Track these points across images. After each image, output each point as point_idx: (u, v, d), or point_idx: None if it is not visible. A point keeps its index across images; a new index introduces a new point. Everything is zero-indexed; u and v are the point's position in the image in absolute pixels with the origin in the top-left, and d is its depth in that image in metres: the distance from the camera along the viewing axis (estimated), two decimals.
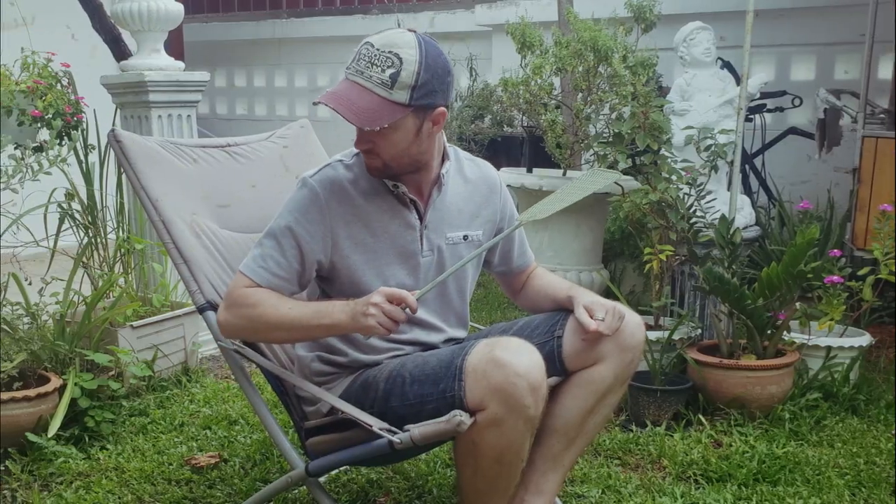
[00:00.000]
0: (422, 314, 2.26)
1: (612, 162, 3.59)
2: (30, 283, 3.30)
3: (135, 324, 3.51)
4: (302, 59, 8.00)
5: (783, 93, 5.07)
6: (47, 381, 3.04)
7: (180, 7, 4.18)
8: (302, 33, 7.84)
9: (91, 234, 3.75)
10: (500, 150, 5.67)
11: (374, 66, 2.01)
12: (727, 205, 3.64)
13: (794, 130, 5.17)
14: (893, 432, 3.13)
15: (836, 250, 3.52)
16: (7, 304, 3.22)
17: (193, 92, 4.17)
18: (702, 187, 3.59)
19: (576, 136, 4.34)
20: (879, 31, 4.27)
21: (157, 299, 3.75)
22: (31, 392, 2.92)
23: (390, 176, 2.17)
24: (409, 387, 2.08)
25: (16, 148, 3.43)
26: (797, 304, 3.39)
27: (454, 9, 6.97)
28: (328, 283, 2.25)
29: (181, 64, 4.19)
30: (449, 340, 2.33)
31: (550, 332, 2.24)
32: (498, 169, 2.54)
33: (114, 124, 3.98)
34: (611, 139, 3.68)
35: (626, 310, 2.23)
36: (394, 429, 1.97)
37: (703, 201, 3.59)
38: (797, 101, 5.08)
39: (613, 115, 4.16)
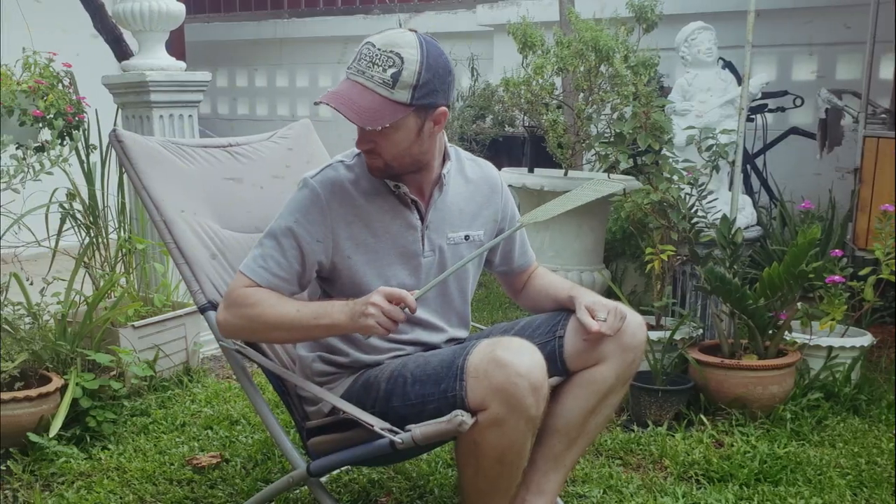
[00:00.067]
0: (423, 314, 2.26)
1: (614, 162, 3.59)
2: (31, 283, 3.31)
3: (136, 324, 3.51)
4: (303, 59, 8.01)
5: (784, 93, 5.07)
6: (49, 381, 3.04)
7: (182, 7, 4.18)
8: (303, 33, 7.84)
9: (92, 234, 3.75)
10: (501, 150, 5.68)
11: (376, 66, 2.01)
12: (728, 205, 3.64)
13: (795, 130, 5.17)
14: (895, 432, 3.13)
15: (837, 250, 3.51)
16: (8, 303, 3.22)
17: (195, 92, 4.18)
18: (703, 187, 3.59)
19: (577, 136, 4.34)
20: (881, 31, 4.27)
21: (158, 299, 3.76)
22: (33, 392, 2.92)
23: (392, 176, 2.17)
24: (410, 387, 2.08)
25: (17, 148, 3.44)
26: (798, 304, 3.39)
27: (456, 9, 6.97)
28: (329, 283, 2.25)
29: (182, 64, 4.20)
30: (450, 340, 2.33)
31: (552, 332, 2.24)
32: (499, 169, 2.54)
33: (115, 124, 3.98)
34: (612, 139, 3.68)
35: (628, 310, 2.23)
36: (395, 429, 1.97)
37: (704, 201, 3.59)
38: (798, 101, 5.09)
39: (615, 115, 4.16)
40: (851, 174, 4.29)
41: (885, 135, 4.09)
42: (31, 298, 3.28)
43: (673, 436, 3.10)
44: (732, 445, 3.01)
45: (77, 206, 3.70)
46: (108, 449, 3.03)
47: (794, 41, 5.51)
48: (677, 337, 3.42)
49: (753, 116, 4.99)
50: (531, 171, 4.73)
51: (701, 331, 3.62)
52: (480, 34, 6.64)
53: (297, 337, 2.26)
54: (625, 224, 4.51)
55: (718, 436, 3.11)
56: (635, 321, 2.23)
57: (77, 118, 3.65)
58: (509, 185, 3.02)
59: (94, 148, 3.84)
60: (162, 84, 4.01)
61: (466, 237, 2.30)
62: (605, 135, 4.10)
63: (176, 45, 5.30)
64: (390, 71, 2.00)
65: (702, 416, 3.23)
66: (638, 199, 3.49)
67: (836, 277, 3.33)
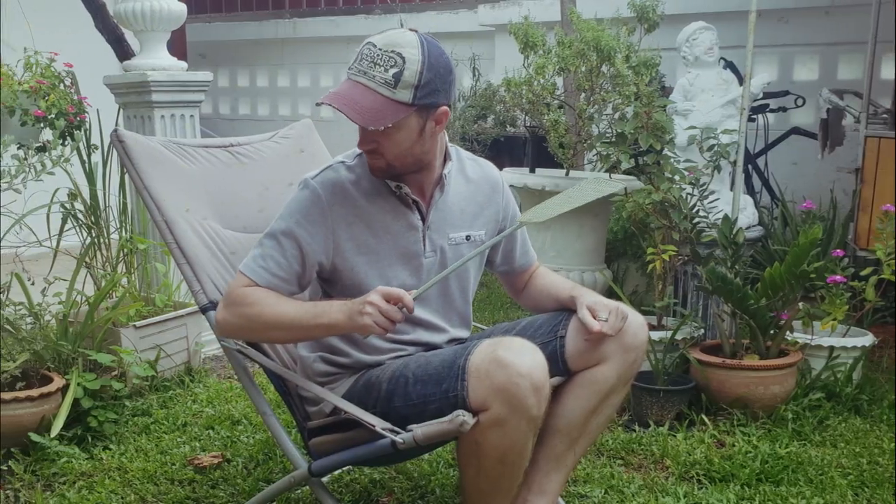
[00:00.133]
0: (424, 314, 2.26)
1: (615, 162, 3.59)
2: (33, 283, 3.31)
3: (138, 324, 3.51)
4: (305, 59, 8.00)
5: (786, 93, 5.07)
6: (50, 381, 3.04)
7: (183, 7, 4.19)
8: (305, 33, 7.84)
9: (94, 234, 3.75)
10: (502, 151, 5.68)
11: (377, 66, 2.01)
12: (730, 205, 3.64)
13: (796, 130, 5.17)
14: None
15: (838, 250, 3.51)
16: (10, 303, 3.22)
17: (196, 92, 4.18)
18: (705, 187, 3.59)
19: (579, 136, 4.34)
20: (882, 31, 4.27)
21: (159, 299, 3.76)
22: (34, 392, 2.93)
23: (393, 176, 2.17)
24: (411, 387, 2.08)
25: (19, 148, 3.44)
26: (800, 304, 3.39)
27: (457, 9, 6.97)
28: (330, 284, 2.25)
29: (184, 64, 4.20)
30: (452, 340, 2.33)
31: (553, 332, 2.24)
32: (501, 169, 2.54)
33: (117, 124, 3.99)
34: (614, 139, 3.68)
35: (629, 310, 2.23)
36: (397, 429, 1.97)
37: (705, 201, 3.59)
38: (800, 101, 5.08)
39: (616, 115, 4.16)
40: (853, 174, 4.28)
41: (887, 135, 4.09)
42: (33, 298, 3.28)
43: (674, 436, 3.10)
44: (734, 445, 3.01)
45: (78, 206, 3.70)
46: (110, 449, 3.03)
47: (796, 41, 5.51)
48: (679, 337, 3.42)
49: (755, 116, 4.99)
50: (532, 171, 4.72)
51: (702, 331, 3.62)
52: (482, 34, 6.64)
53: (295, 337, 2.26)
54: (626, 224, 4.51)
55: (720, 436, 3.11)
56: (637, 321, 2.23)
57: (78, 118, 3.65)
58: (511, 186, 3.02)
59: (96, 148, 3.84)
60: (163, 84, 4.01)
61: (468, 237, 2.30)
62: (607, 135, 4.10)
63: (177, 45, 5.31)
64: (392, 71, 2.00)
65: (703, 416, 3.23)
66: (639, 199, 3.49)
67: (838, 277, 3.32)
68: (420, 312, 2.25)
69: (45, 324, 3.24)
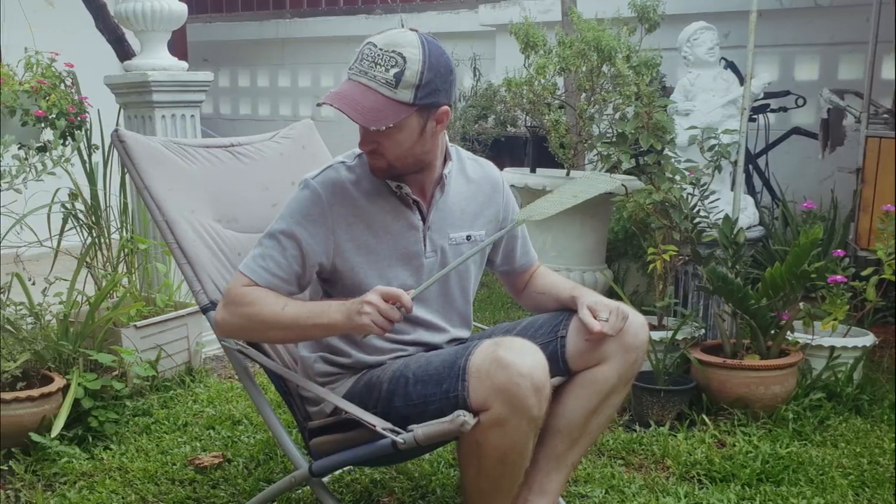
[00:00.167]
0: (425, 314, 2.26)
1: (616, 162, 3.59)
2: (33, 283, 3.31)
3: (138, 324, 3.51)
4: (305, 59, 8.01)
5: (787, 93, 5.07)
6: (51, 381, 3.04)
7: (184, 7, 4.19)
8: (305, 33, 7.84)
9: (94, 234, 3.75)
10: (503, 150, 5.67)
11: (378, 66, 2.01)
12: (731, 205, 3.64)
13: (797, 130, 5.16)
14: None
15: (839, 250, 3.51)
16: (11, 304, 3.22)
17: (197, 92, 4.18)
18: (705, 187, 3.59)
19: (579, 136, 4.34)
20: (882, 31, 4.27)
21: (160, 299, 3.76)
22: (35, 392, 2.93)
23: (394, 176, 2.17)
24: (412, 387, 2.08)
25: (19, 148, 3.44)
26: (801, 304, 3.39)
27: (458, 9, 6.97)
28: (330, 284, 2.25)
29: (185, 64, 4.20)
30: (452, 340, 2.33)
31: (554, 332, 2.24)
32: (501, 169, 2.54)
33: (117, 124, 3.99)
34: (614, 139, 3.68)
35: (630, 310, 2.23)
36: (397, 429, 1.97)
37: (706, 201, 3.59)
38: (800, 101, 5.08)
39: (617, 115, 4.16)
40: (853, 174, 4.28)
41: (887, 135, 4.09)
42: (34, 298, 3.28)
43: (675, 436, 3.10)
44: (734, 445, 3.01)
45: (79, 206, 3.70)
46: (111, 449, 3.03)
47: (797, 41, 5.51)
48: (679, 337, 3.42)
49: (755, 116, 4.99)
50: (533, 171, 4.72)
51: (703, 331, 3.62)
52: (482, 34, 6.64)
53: (293, 336, 2.26)
54: (627, 224, 4.51)
55: (720, 436, 3.11)
56: (637, 321, 2.23)
57: (79, 118, 3.65)
58: (511, 185, 3.02)
59: (97, 148, 3.84)
60: (164, 84, 4.01)
61: (468, 237, 2.29)
62: (608, 135, 4.10)
63: (178, 45, 5.31)
64: (393, 71, 2.00)
65: (704, 416, 3.23)
66: (640, 199, 3.49)
67: (839, 277, 3.32)
68: (421, 312, 2.25)
69: (45, 324, 3.24)
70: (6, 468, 2.85)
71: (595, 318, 2.16)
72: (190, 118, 4.15)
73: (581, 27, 4.24)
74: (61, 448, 2.93)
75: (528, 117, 4.75)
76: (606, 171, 4.02)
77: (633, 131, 3.53)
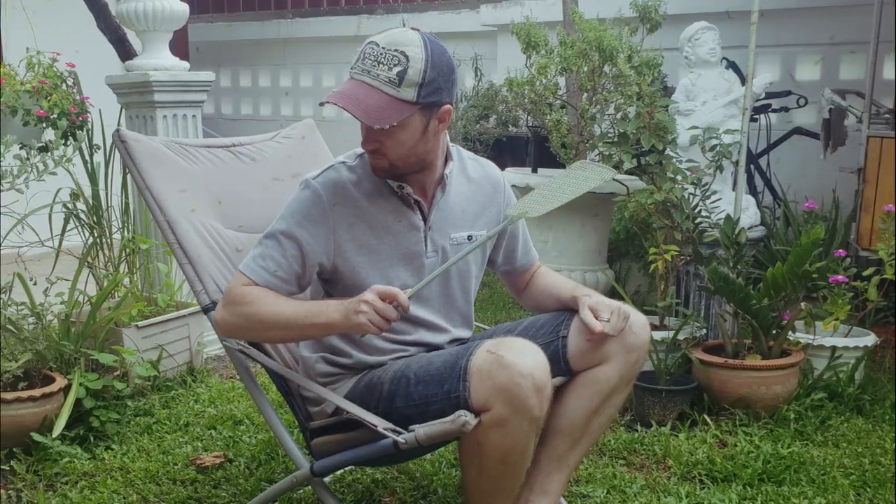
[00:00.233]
0: (426, 314, 2.26)
1: (618, 162, 3.59)
2: (35, 284, 3.31)
3: (140, 324, 3.51)
4: (307, 59, 8.01)
5: (788, 93, 5.06)
6: (52, 381, 3.04)
7: (185, 7, 4.19)
8: (307, 33, 7.84)
9: (96, 234, 3.75)
10: (505, 150, 5.68)
11: (381, 65, 2.01)
12: (732, 205, 3.64)
13: (799, 130, 5.16)
14: None
15: (841, 250, 3.51)
16: (12, 304, 3.22)
17: (198, 92, 4.18)
18: (707, 187, 3.58)
19: (581, 136, 4.33)
20: (884, 31, 4.27)
21: (162, 299, 3.76)
22: (36, 392, 2.93)
23: (396, 176, 2.17)
24: (413, 387, 2.08)
25: (21, 148, 3.44)
26: (802, 304, 3.39)
27: (459, 9, 6.97)
28: (331, 284, 2.25)
29: (186, 64, 4.20)
30: (454, 341, 2.33)
31: (555, 332, 2.24)
32: (503, 169, 2.54)
33: (119, 124, 3.99)
34: (616, 139, 3.68)
35: (631, 310, 2.23)
36: (399, 429, 1.97)
37: (708, 201, 3.59)
38: (802, 101, 5.08)
39: (618, 115, 4.16)
40: (855, 174, 4.28)
41: (889, 135, 4.08)
42: (35, 298, 3.28)
43: (676, 436, 3.10)
44: (736, 445, 3.01)
45: (81, 206, 3.70)
46: (112, 449, 3.03)
47: (798, 41, 5.50)
48: (681, 337, 3.42)
49: (757, 116, 4.99)
50: (535, 171, 4.72)
51: (704, 331, 3.62)
52: (484, 34, 6.64)
53: (293, 336, 2.26)
54: (628, 224, 4.51)
55: (722, 436, 3.11)
56: (639, 321, 2.23)
57: (81, 118, 3.65)
58: (513, 185, 3.01)
59: (98, 148, 3.84)
60: (165, 84, 4.01)
61: (469, 237, 2.29)
62: (609, 135, 4.10)
63: (179, 45, 5.31)
64: (396, 69, 2.00)
65: (705, 416, 3.23)
66: (641, 199, 3.48)
67: (840, 277, 3.32)
68: (422, 313, 2.25)
69: (47, 324, 3.24)
70: (7, 468, 2.85)
71: (596, 318, 2.16)
72: (191, 118, 4.15)
73: (583, 27, 4.24)
74: (63, 448, 2.94)
75: (529, 117, 4.75)
76: None
77: (634, 131, 3.53)
